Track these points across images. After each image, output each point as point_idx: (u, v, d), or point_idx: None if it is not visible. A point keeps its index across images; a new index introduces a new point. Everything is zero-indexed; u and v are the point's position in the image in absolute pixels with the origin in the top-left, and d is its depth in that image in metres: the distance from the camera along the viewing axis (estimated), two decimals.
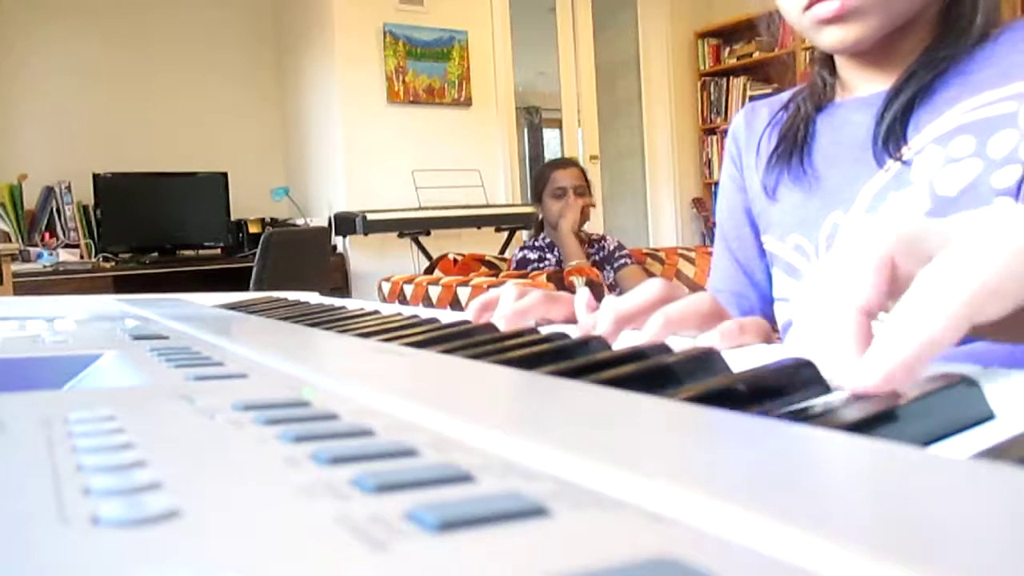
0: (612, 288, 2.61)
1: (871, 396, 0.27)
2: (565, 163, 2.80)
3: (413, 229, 3.80)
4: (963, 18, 0.67)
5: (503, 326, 0.53)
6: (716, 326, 0.44)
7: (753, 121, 0.84)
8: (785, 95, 0.82)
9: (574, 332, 0.45)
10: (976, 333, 0.36)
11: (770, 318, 0.80)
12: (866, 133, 0.69)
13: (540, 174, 2.77)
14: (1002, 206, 0.61)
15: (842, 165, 0.71)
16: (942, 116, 0.65)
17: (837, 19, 0.65)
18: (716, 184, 4.89)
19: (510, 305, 0.56)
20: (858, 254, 0.31)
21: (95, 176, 3.74)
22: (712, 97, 5.00)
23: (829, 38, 0.67)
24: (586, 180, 2.74)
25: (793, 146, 0.75)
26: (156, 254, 3.85)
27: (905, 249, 0.31)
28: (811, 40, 0.70)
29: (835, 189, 0.71)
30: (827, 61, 0.76)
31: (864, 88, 0.73)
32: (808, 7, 0.66)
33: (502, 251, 3.86)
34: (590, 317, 0.49)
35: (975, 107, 0.64)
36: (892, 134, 0.67)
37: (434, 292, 2.33)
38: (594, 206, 2.82)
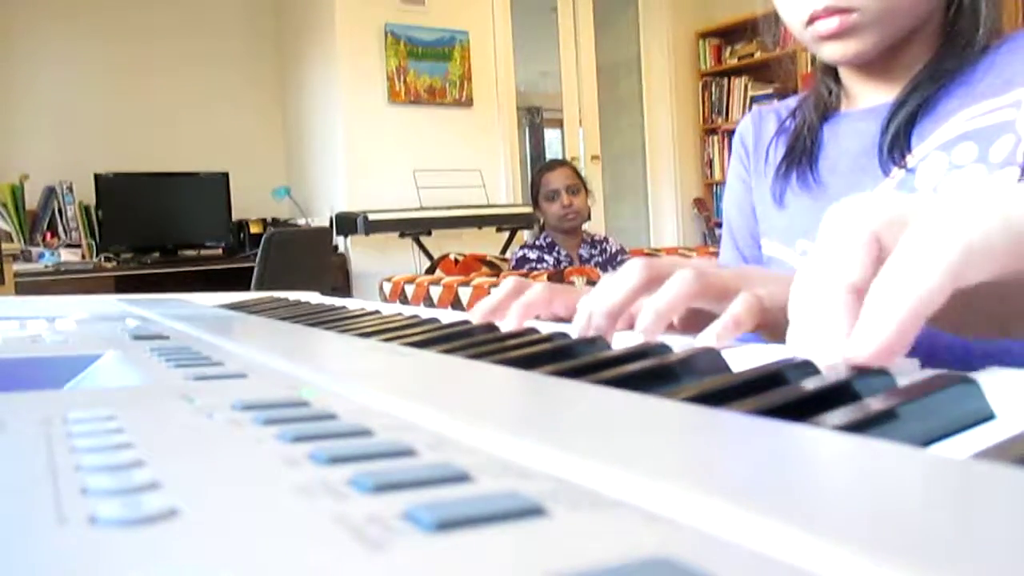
0: None
1: (868, 365, 0.27)
2: (554, 165, 2.85)
3: (414, 229, 3.80)
4: (966, 32, 0.68)
5: (512, 321, 0.53)
6: (705, 302, 0.43)
7: (761, 127, 0.85)
8: (791, 101, 0.83)
9: (575, 332, 0.45)
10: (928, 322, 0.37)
11: None
12: (871, 142, 0.70)
13: (533, 180, 2.83)
14: (985, 183, 0.61)
15: (848, 174, 0.72)
16: (945, 124, 0.66)
17: (837, 35, 0.66)
18: (717, 184, 4.90)
19: (515, 299, 0.56)
20: (844, 232, 0.31)
21: (97, 176, 3.74)
22: (713, 97, 5.00)
23: (830, 52, 0.68)
24: (579, 177, 2.76)
25: (801, 155, 0.76)
26: (157, 254, 3.85)
27: (890, 225, 0.31)
28: (814, 52, 0.71)
29: (841, 197, 0.71)
30: (831, 71, 0.78)
31: (868, 99, 0.74)
32: (809, 23, 0.67)
33: (503, 251, 3.86)
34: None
35: (977, 115, 0.65)
36: (896, 144, 0.68)
37: (435, 292, 2.33)
38: (593, 202, 2.84)
